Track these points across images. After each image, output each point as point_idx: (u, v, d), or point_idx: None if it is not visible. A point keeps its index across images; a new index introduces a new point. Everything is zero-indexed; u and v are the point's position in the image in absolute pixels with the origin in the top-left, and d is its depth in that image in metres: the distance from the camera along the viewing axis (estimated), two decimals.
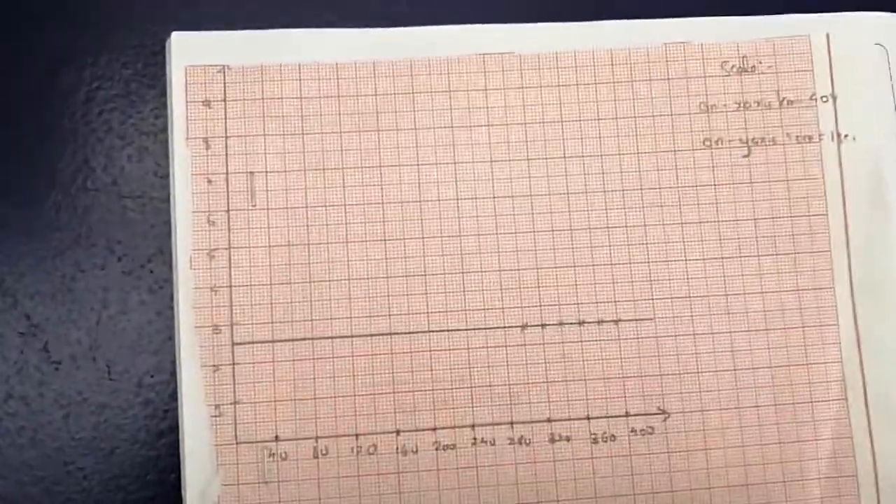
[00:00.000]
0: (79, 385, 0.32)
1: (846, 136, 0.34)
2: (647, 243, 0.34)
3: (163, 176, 0.33)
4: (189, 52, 0.33)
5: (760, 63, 0.35)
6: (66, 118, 0.33)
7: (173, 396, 0.32)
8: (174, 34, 0.33)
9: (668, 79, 0.35)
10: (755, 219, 0.34)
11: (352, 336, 0.33)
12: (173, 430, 0.32)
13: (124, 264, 0.33)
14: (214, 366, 0.32)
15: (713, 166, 0.34)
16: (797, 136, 0.34)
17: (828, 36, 0.35)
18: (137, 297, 0.33)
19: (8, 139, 0.33)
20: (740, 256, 0.34)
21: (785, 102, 0.35)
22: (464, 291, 0.33)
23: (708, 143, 0.34)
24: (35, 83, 0.33)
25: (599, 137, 0.34)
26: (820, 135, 0.34)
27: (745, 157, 0.34)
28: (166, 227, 0.32)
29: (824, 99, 0.35)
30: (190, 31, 0.33)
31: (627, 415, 0.33)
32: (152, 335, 0.33)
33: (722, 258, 0.34)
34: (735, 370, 0.33)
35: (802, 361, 0.33)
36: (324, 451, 0.32)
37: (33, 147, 0.33)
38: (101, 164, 0.33)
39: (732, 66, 0.35)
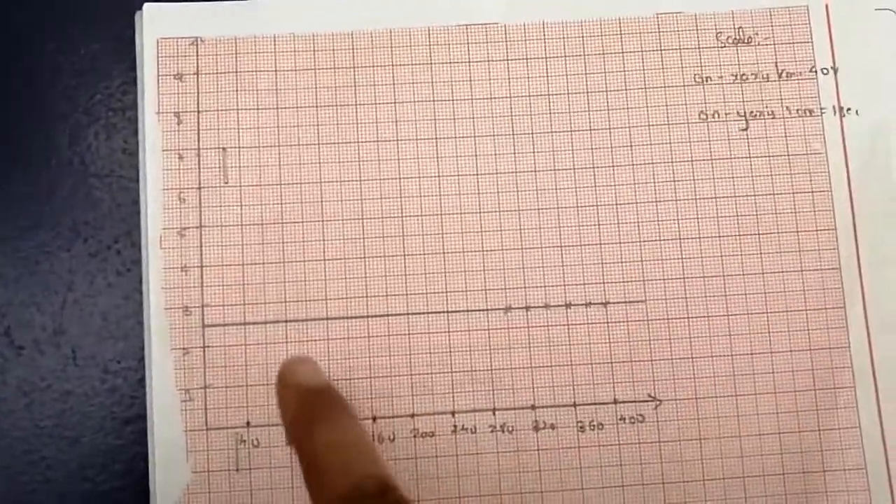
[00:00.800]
0: (42, 371, 0.32)
1: (848, 109, 0.33)
2: (638, 222, 0.33)
3: (131, 154, 0.32)
4: (161, 24, 0.33)
5: (757, 34, 0.34)
6: (30, 93, 0.33)
7: (141, 383, 0.31)
8: (146, 5, 0.32)
9: (661, 50, 0.34)
10: (755, 195, 0.33)
11: (327, 319, 0.32)
12: (141, 417, 0.31)
13: (90, 245, 0.32)
14: (184, 349, 0.31)
15: (709, 140, 0.33)
16: (797, 110, 0.34)
17: (827, 6, 0.34)
18: (104, 279, 0.32)
19: None
20: (739, 235, 0.33)
21: (784, 75, 0.34)
22: (444, 272, 0.32)
23: (704, 116, 0.33)
24: None
25: (588, 111, 0.33)
26: (821, 108, 0.33)
27: (742, 130, 0.33)
28: (135, 206, 0.32)
29: (825, 71, 0.34)
30: (161, 3, 0.32)
31: (616, 402, 0.32)
32: (119, 319, 0.32)
33: (719, 237, 0.33)
34: (732, 356, 0.32)
35: (806, 346, 0.32)
36: None
37: None
38: (66, 142, 0.32)
39: (728, 38, 0.34)
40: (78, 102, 0.32)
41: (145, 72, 0.32)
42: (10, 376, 0.31)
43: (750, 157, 0.33)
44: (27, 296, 0.31)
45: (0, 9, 0.33)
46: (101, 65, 0.33)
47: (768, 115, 0.34)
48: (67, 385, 0.32)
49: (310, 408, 0.29)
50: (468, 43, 0.33)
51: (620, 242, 0.32)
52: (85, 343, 0.32)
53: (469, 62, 0.33)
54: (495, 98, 0.33)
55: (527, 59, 0.33)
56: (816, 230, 0.33)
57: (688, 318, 0.32)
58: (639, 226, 0.33)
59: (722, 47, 0.34)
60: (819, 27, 0.34)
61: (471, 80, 0.33)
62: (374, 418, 0.31)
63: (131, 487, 0.32)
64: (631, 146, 0.33)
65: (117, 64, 0.33)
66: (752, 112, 0.34)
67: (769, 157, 0.33)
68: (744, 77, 0.34)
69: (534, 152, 0.33)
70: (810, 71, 0.34)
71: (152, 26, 0.32)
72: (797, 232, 0.33)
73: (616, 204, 0.32)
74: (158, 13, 0.33)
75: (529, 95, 0.33)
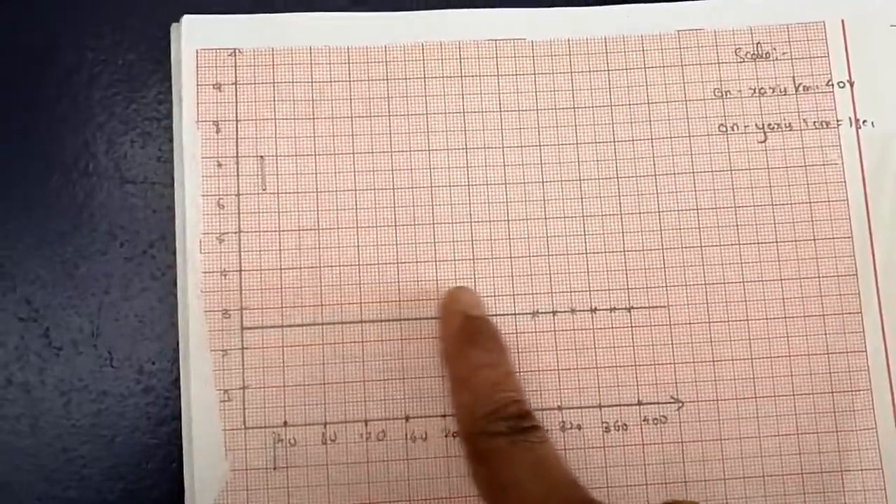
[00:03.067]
0: (79, 372, 0.34)
1: (864, 121, 0.36)
2: (661, 230, 0.35)
3: (166, 161, 0.35)
4: (199, 35, 0.35)
5: (775, 49, 0.36)
6: (68, 102, 0.35)
7: (175, 384, 0.33)
8: (185, 17, 0.35)
9: (682, 65, 0.36)
10: (773, 204, 0.35)
11: (361, 321, 0.34)
12: (175, 418, 0.33)
13: (126, 250, 0.35)
14: (223, 350, 0.34)
15: (729, 151, 0.35)
16: (814, 122, 0.36)
17: (843, 21, 0.36)
18: (139, 283, 0.34)
19: (9, 123, 0.35)
20: (758, 243, 0.35)
21: (801, 88, 0.36)
22: (474, 278, 0.34)
23: (723, 128, 0.36)
24: (37, 67, 0.35)
25: (612, 124, 0.36)
26: (838, 121, 0.36)
27: (761, 142, 0.36)
28: (169, 212, 0.34)
29: (841, 85, 0.36)
30: (200, 15, 0.35)
31: (640, 403, 0.34)
32: (154, 322, 0.34)
33: (739, 244, 0.35)
34: (752, 359, 0.34)
35: (823, 350, 0.34)
36: (332, 437, 0.34)
37: (34, 131, 0.35)
38: (103, 149, 0.35)
39: (746, 53, 0.36)
40: (115, 111, 0.35)
41: (184, 81, 0.34)
42: (48, 376, 0.33)
43: (768, 168, 0.35)
44: (65, 298, 0.34)
45: (41, 20, 0.36)
46: (137, 75, 0.35)
47: (786, 127, 0.36)
48: (103, 385, 0.34)
49: (469, 332, 0.33)
50: (496, 57, 0.36)
51: (644, 250, 0.35)
52: (121, 344, 0.34)
53: (497, 76, 0.36)
54: (523, 110, 0.35)
55: (553, 73, 0.36)
56: (833, 238, 0.35)
57: (709, 322, 0.34)
58: (661, 234, 0.35)
59: (741, 62, 0.36)
60: (835, 42, 0.36)
61: (499, 93, 0.36)
62: (408, 418, 0.33)
63: (165, 486, 0.33)
64: (653, 157, 0.35)
65: (153, 74, 0.35)
66: (770, 125, 0.36)
67: (787, 168, 0.35)
68: (762, 91, 0.36)
69: (559, 163, 0.35)
70: (827, 85, 0.36)
71: (191, 37, 0.35)
72: (814, 240, 0.35)
73: (639, 213, 0.35)
74: (197, 25, 0.35)
75: (555, 108, 0.35)
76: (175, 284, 0.33)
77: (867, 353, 0.34)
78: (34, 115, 0.35)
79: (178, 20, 0.34)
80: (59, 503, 0.33)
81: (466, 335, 0.33)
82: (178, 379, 0.33)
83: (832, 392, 0.34)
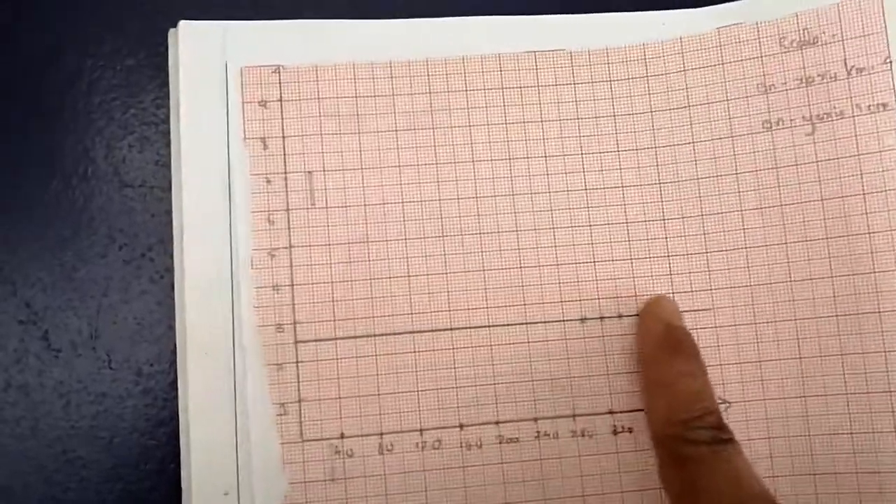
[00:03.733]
0: (78, 374, 0.38)
1: None
2: (704, 233, 0.37)
3: (164, 165, 0.39)
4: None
5: (824, 33, 0.37)
6: (68, 107, 0.39)
7: (173, 385, 0.37)
8: (181, 23, 0.37)
9: (723, 63, 0.38)
10: (822, 199, 0.37)
11: (412, 332, 0.37)
12: (173, 419, 0.37)
13: (125, 253, 0.39)
14: (278, 364, 0.37)
15: (774, 148, 0.37)
16: (868, 106, 0.37)
17: None
18: (138, 285, 0.38)
19: (8, 128, 0.39)
20: (806, 240, 0.37)
21: (854, 71, 0.37)
22: (522, 286, 0.37)
23: (767, 124, 0.38)
24: (37, 73, 0.39)
25: (652, 129, 0.38)
26: None
27: (808, 135, 0.37)
28: (167, 216, 0.38)
29: None
30: (195, 21, 0.37)
31: None
32: (153, 324, 0.38)
33: (786, 243, 0.37)
34: (801, 358, 0.36)
35: (879, 348, 0.36)
36: (389, 447, 0.36)
37: (34, 136, 0.39)
38: (101, 154, 0.39)
39: (792, 41, 0.38)
40: (113, 116, 0.40)
41: (230, 99, 0.38)
42: (47, 378, 0.38)
43: (817, 161, 0.37)
44: (64, 301, 0.38)
45: (41, 26, 0.39)
46: (136, 80, 0.40)
47: (837, 115, 0.37)
48: (102, 387, 0.37)
49: (673, 341, 0.35)
50: (536, 69, 0.39)
51: (688, 254, 0.38)
52: (119, 347, 0.38)
53: (538, 86, 0.39)
54: (564, 119, 0.39)
55: (592, 82, 0.39)
56: (890, 230, 0.36)
57: (755, 323, 0.37)
58: (705, 237, 0.38)
59: (786, 52, 0.38)
60: (893, 15, 0.37)
61: (540, 104, 0.39)
62: (462, 426, 0.37)
63: (164, 487, 0.37)
64: (695, 161, 0.38)
65: (152, 79, 0.40)
66: (818, 115, 0.37)
67: (838, 158, 0.37)
68: (809, 80, 0.37)
69: (601, 170, 0.38)
70: (885, 62, 0.37)
71: (235, 53, 0.37)
72: (868, 234, 0.36)
73: (682, 217, 0.38)
74: (193, 30, 0.37)
75: (596, 117, 0.39)
76: (173, 287, 0.37)
77: None
78: (34, 120, 0.39)
79: (175, 26, 0.39)
80: None
81: (670, 343, 0.36)
82: (175, 381, 0.37)
83: (889, 392, 0.35)
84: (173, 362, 0.37)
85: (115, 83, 0.40)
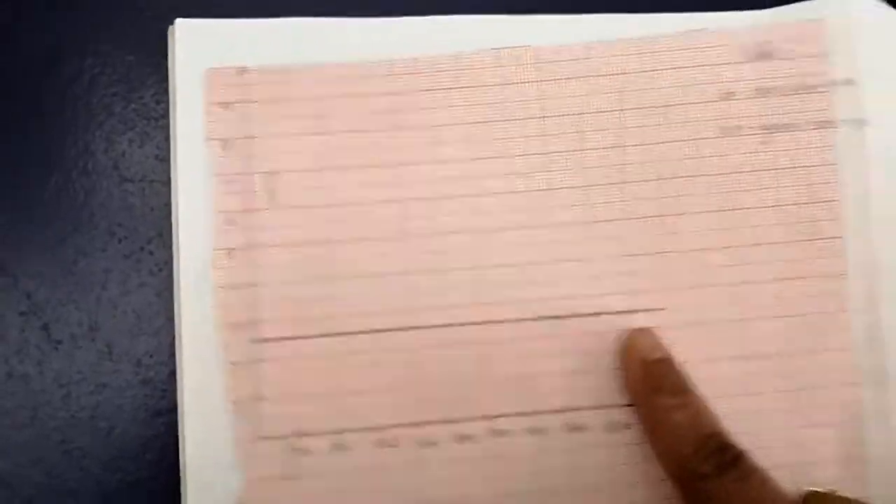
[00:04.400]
0: (78, 364, 0.38)
1: (865, 120, 0.38)
2: (663, 234, 0.38)
3: (163, 160, 0.40)
4: (197, 44, 0.37)
5: (779, 49, 0.39)
6: (68, 103, 0.40)
7: (172, 376, 0.38)
8: (178, 21, 0.37)
9: (685, 67, 0.39)
10: (773, 206, 0.38)
11: (371, 331, 0.37)
12: (172, 409, 0.37)
13: (124, 246, 0.39)
14: (236, 362, 0.37)
15: (731, 154, 0.38)
16: (816, 122, 0.38)
17: (845, 21, 0.38)
18: (137, 278, 0.39)
19: (9, 123, 0.39)
20: (755, 245, 0.37)
21: (803, 88, 0.39)
22: (480, 286, 0.37)
23: (726, 130, 0.39)
24: (38, 69, 0.39)
25: (615, 129, 0.38)
26: (840, 120, 0.38)
27: (762, 143, 0.39)
28: (166, 210, 0.39)
29: (843, 84, 0.38)
30: (193, 19, 0.37)
31: None
32: (152, 316, 0.39)
33: (739, 246, 0.38)
34: (746, 358, 0.37)
35: (815, 348, 0.37)
36: (345, 445, 0.37)
37: (35, 131, 0.39)
38: (102, 148, 0.40)
39: (750, 53, 0.39)
40: (113, 111, 0.40)
41: (193, 100, 0.38)
42: (47, 369, 0.38)
43: (770, 170, 0.38)
44: (64, 294, 0.39)
45: (43, 25, 0.39)
46: (135, 76, 0.40)
47: (788, 127, 0.38)
48: (102, 378, 0.38)
49: (653, 378, 0.35)
50: (500, 66, 0.39)
51: (645, 254, 0.38)
52: (119, 338, 0.38)
53: (502, 84, 0.39)
54: (528, 118, 0.38)
55: (556, 79, 0.39)
56: (828, 238, 0.37)
57: (706, 323, 0.37)
58: (663, 238, 0.38)
59: (744, 63, 0.39)
60: (838, 40, 0.39)
61: (504, 102, 0.39)
62: (418, 424, 0.36)
63: (163, 476, 0.37)
64: (656, 162, 0.38)
65: (151, 76, 0.40)
66: (773, 125, 0.38)
67: (789, 168, 0.38)
68: (765, 91, 0.38)
69: (564, 169, 0.38)
70: (829, 84, 0.38)
71: (195, 51, 0.37)
72: (813, 240, 0.37)
73: (642, 217, 0.38)
74: (190, 29, 0.37)
75: (560, 115, 0.39)
76: (172, 280, 0.38)
77: (855, 350, 0.37)
78: (36, 117, 0.39)
79: (174, 23, 0.39)
80: (58, 494, 0.38)
81: (651, 381, 0.36)
82: (174, 372, 0.37)
83: (825, 387, 0.37)
84: (172, 354, 0.38)
85: (115, 79, 0.40)
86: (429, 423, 0.37)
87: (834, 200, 0.38)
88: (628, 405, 0.37)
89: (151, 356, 0.38)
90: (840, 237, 0.38)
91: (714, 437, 0.33)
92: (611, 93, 0.39)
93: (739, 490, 0.32)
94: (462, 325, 0.38)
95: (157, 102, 0.40)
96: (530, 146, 0.39)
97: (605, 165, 0.39)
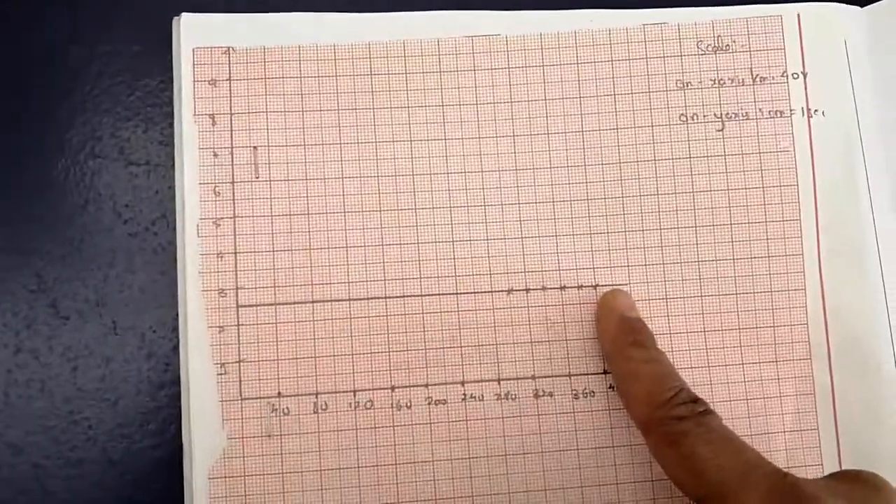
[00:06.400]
0: (86, 339, 0.39)
1: (816, 111, 0.40)
2: (624, 214, 0.40)
3: (166, 144, 0.41)
4: (196, 33, 0.40)
5: (734, 42, 0.41)
6: (77, 90, 0.41)
7: (175, 350, 0.39)
8: (183, 15, 0.40)
9: (646, 58, 0.41)
10: (728, 189, 0.40)
11: (349, 299, 0.39)
12: (175, 382, 0.39)
13: (130, 227, 0.40)
14: (220, 327, 0.38)
15: (689, 140, 0.40)
16: (769, 111, 0.40)
17: (799, 17, 0.41)
18: (142, 257, 0.40)
19: (21, 109, 0.40)
20: (713, 225, 0.40)
21: (758, 79, 0.41)
22: (454, 258, 0.39)
23: (684, 118, 0.41)
24: (48, 59, 0.41)
25: (581, 115, 0.40)
26: (791, 110, 0.41)
27: (719, 131, 0.40)
28: (170, 192, 0.40)
29: (795, 76, 0.41)
30: (198, 13, 0.40)
31: (605, 373, 0.39)
32: (156, 293, 0.40)
33: (696, 227, 0.40)
34: (705, 332, 0.39)
35: (770, 323, 0.40)
36: (323, 407, 0.38)
37: (46, 117, 0.40)
38: (108, 134, 0.41)
39: (708, 46, 0.41)
40: (120, 98, 0.41)
41: (182, 77, 0.40)
42: (55, 343, 0.40)
43: (725, 155, 0.40)
44: (73, 271, 0.40)
45: (53, 16, 0.41)
46: (141, 65, 0.42)
47: (743, 116, 0.40)
48: (108, 352, 0.39)
49: (631, 331, 0.37)
50: (473, 53, 0.41)
51: (608, 232, 0.40)
52: (124, 314, 0.39)
53: (474, 70, 0.41)
54: (498, 102, 0.41)
55: (525, 66, 0.41)
56: (782, 220, 0.40)
57: (666, 298, 0.40)
58: (624, 217, 0.40)
59: (702, 54, 0.41)
60: (791, 35, 0.41)
61: (476, 87, 0.41)
62: (393, 388, 0.39)
63: (166, 445, 0.39)
64: (619, 146, 0.40)
65: (156, 65, 0.41)
66: (727, 114, 0.40)
67: (742, 154, 0.40)
68: (721, 82, 0.41)
69: (531, 152, 0.40)
70: (782, 76, 0.41)
71: (189, 36, 0.40)
72: (766, 222, 0.40)
73: (605, 198, 0.40)
74: (195, 23, 0.40)
75: (528, 100, 0.41)
76: (175, 259, 0.39)
77: (808, 327, 0.39)
78: (46, 103, 0.41)
79: (180, 16, 0.40)
80: (66, 462, 0.39)
81: (626, 335, 0.37)
82: (177, 346, 0.39)
83: (777, 361, 0.39)
84: (175, 328, 0.39)
85: (122, 68, 0.41)
86: (403, 386, 0.38)
87: (789, 186, 0.40)
88: (594, 374, 0.39)
89: (155, 331, 0.39)
90: (796, 220, 0.39)
91: (686, 389, 0.35)
92: (573, 80, 0.40)
93: (714, 435, 0.32)
94: (435, 295, 0.39)
95: (162, 90, 0.41)
96: (500, 128, 0.40)
97: (569, 149, 0.40)
